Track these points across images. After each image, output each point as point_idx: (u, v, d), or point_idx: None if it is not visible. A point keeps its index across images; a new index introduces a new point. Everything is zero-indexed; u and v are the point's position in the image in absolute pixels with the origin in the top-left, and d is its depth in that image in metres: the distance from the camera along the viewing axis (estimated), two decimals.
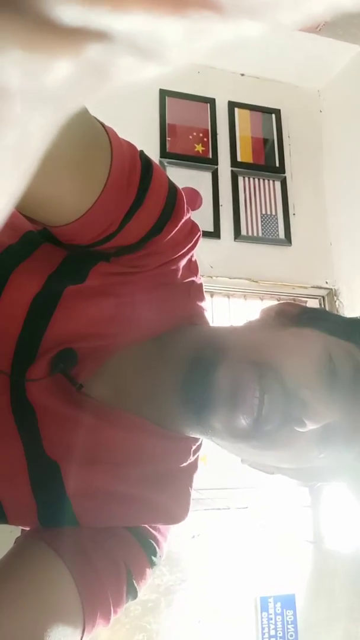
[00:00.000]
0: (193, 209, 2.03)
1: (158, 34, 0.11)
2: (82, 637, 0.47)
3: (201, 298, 0.59)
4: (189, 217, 0.53)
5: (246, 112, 2.25)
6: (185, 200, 0.51)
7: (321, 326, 0.52)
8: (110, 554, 0.51)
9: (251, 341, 0.52)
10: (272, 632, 1.74)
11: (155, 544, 0.55)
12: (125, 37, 0.11)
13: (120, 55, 0.12)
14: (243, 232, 2.08)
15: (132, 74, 0.12)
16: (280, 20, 0.11)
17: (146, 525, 0.55)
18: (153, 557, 0.54)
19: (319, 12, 0.11)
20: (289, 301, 0.59)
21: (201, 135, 2.16)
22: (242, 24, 0.11)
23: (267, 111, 2.27)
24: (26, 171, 0.14)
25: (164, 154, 2.07)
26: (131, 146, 0.47)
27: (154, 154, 2.02)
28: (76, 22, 0.11)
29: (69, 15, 0.11)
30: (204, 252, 1.73)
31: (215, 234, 2.03)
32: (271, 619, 1.75)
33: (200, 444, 0.58)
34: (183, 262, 0.54)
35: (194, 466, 0.58)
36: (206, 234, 1.99)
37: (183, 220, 0.50)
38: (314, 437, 0.47)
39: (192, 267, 0.57)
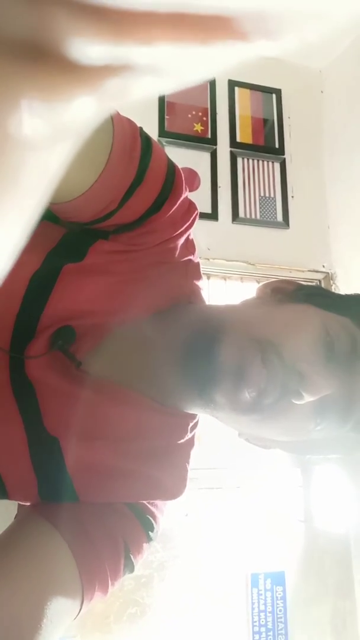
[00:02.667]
0: (191, 190, 2.02)
1: (180, 58, 0.11)
2: (80, 608, 0.48)
3: (198, 277, 0.59)
4: (187, 196, 0.53)
5: (246, 91, 2.22)
6: (183, 178, 0.51)
7: (318, 302, 0.53)
8: (108, 529, 0.52)
9: (250, 318, 0.53)
10: (262, 607, 1.78)
11: (152, 520, 0.56)
12: (146, 64, 0.11)
13: (139, 77, 0.12)
14: (241, 214, 2.06)
15: (148, 90, 0.12)
16: (304, 38, 0.11)
17: (144, 501, 0.56)
18: (150, 532, 0.55)
19: (342, 20, 0.11)
20: (284, 279, 0.60)
21: (200, 114, 2.13)
22: (264, 45, 0.11)
23: (267, 91, 2.24)
24: (45, 196, 0.15)
25: (162, 132, 2.04)
26: (132, 123, 0.47)
27: (152, 132, 1.99)
28: (100, 60, 0.11)
29: (94, 53, 0.11)
30: (201, 233, 1.72)
31: (212, 215, 2.02)
32: (261, 594, 1.79)
33: (197, 421, 0.59)
34: (181, 241, 0.55)
35: (191, 442, 0.59)
36: (204, 216, 1.97)
37: (181, 198, 0.51)
38: (312, 410, 0.48)
39: (189, 246, 0.57)
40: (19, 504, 0.58)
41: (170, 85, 0.13)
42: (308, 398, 0.46)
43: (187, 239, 0.56)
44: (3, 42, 0.11)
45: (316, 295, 0.55)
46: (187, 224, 0.53)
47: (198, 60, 0.12)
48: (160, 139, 2.03)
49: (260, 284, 0.59)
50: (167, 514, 0.60)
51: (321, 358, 0.48)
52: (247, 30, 0.11)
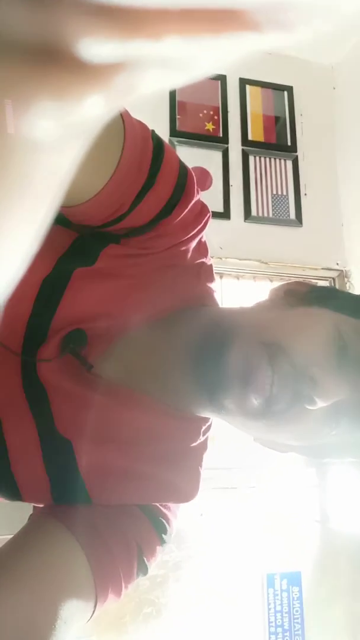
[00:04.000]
0: (203, 189, 2.02)
1: (191, 52, 0.11)
2: (94, 611, 0.48)
3: (211, 279, 0.59)
4: (199, 199, 0.52)
5: (257, 89, 2.20)
6: (195, 181, 0.51)
7: (330, 304, 0.52)
8: (121, 531, 0.52)
9: (261, 321, 0.52)
10: (278, 608, 1.77)
11: (165, 522, 0.56)
12: (157, 58, 0.11)
13: (149, 71, 0.12)
14: (253, 212, 2.05)
15: (158, 84, 0.12)
16: (316, 28, 0.11)
17: (157, 504, 0.56)
18: (163, 535, 0.55)
19: (352, 12, 0.11)
20: (297, 280, 0.59)
21: (211, 113, 2.12)
22: (275, 38, 0.11)
23: (278, 88, 2.22)
24: (57, 198, 0.15)
25: (173, 132, 2.04)
26: (143, 126, 0.47)
27: (163, 133, 2.00)
28: (110, 58, 0.11)
29: (104, 51, 0.11)
30: (213, 233, 1.71)
31: (225, 214, 2.01)
32: (277, 595, 1.79)
33: (210, 424, 0.58)
34: (193, 244, 0.54)
35: (203, 446, 0.58)
36: (216, 215, 1.97)
37: (193, 202, 0.50)
38: (325, 415, 0.47)
39: (201, 249, 0.57)
40: (33, 505, 0.58)
41: (180, 79, 0.13)
42: (321, 404, 0.45)
43: (200, 241, 0.56)
44: (13, 44, 0.11)
45: (329, 298, 0.55)
46: (199, 227, 0.53)
47: (209, 53, 0.11)
48: (172, 138, 2.03)
49: (273, 286, 0.59)
50: (181, 514, 0.60)
51: (334, 362, 0.47)
52: (258, 22, 0.10)
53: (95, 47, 0.11)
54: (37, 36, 0.10)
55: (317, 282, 2.08)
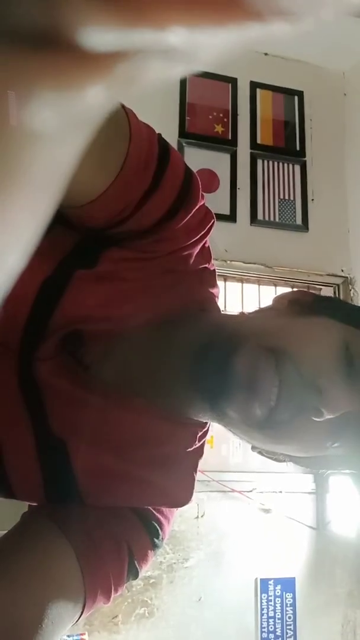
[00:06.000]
0: (210, 192, 2.02)
1: (193, 42, 0.11)
2: (82, 613, 0.48)
3: (213, 285, 0.59)
4: (204, 204, 0.52)
5: (268, 93, 2.20)
6: (200, 186, 0.50)
7: (337, 315, 0.52)
8: (113, 534, 0.52)
9: (267, 328, 0.52)
10: (271, 614, 1.77)
11: (158, 527, 0.55)
12: (159, 49, 0.11)
13: (151, 62, 0.12)
14: (259, 216, 2.05)
15: (160, 75, 0.12)
16: (322, 17, 0.11)
17: (150, 508, 0.56)
18: (155, 539, 0.55)
19: (356, 3, 0.11)
20: (302, 290, 0.59)
21: (221, 115, 2.12)
22: (281, 27, 0.11)
23: (289, 92, 2.22)
24: (57, 191, 0.15)
25: (182, 133, 2.04)
26: (150, 129, 0.46)
27: (172, 134, 2.00)
28: (112, 47, 0.11)
29: (106, 40, 0.10)
30: (218, 236, 1.71)
31: (231, 217, 2.01)
32: (270, 600, 1.78)
33: (207, 430, 0.58)
34: (196, 249, 0.54)
35: (199, 451, 0.58)
36: (222, 218, 1.97)
37: (197, 207, 0.50)
38: (329, 427, 0.47)
39: (205, 254, 0.56)
40: (28, 504, 0.58)
41: (182, 70, 0.12)
42: (327, 415, 0.45)
43: (203, 246, 0.55)
44: (13, 31, 0.10)
45: (335, 308, 0.54)
46: (203, 232, 0.53)
47: (212, 44, 0.11)
48: (181, 140, 2.03)
49: (277, 294, 0.58)
50: (177, 516, 0.59)
51: (341, 374, 0.46)
52: (262, 12, 0.10)
53: (97, 36, 0.10)
54: (37, 24, 0.10)
55: (321, 289, 2.08)
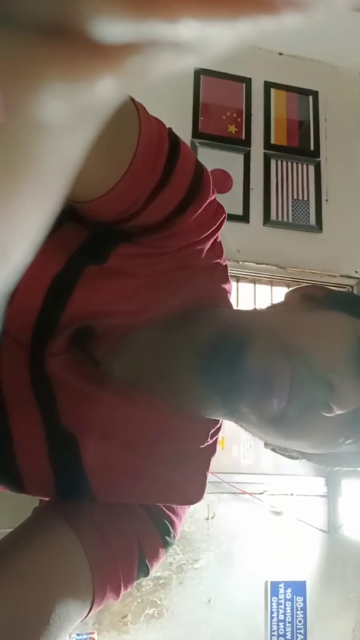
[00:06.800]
0: (223, 192, 2.01)
1: (204, 34, 0.11)
2: (90, 610, 0.48)
3: (225, 280, 0.58)
4: (215, 198, 0.52)
5: (282, 92, 2.19)
6: (211, 181, 0.50)
7: (350, 309, 0.51)
8: (123, 530, 0.51)
9: (279, 324, 0.51)
10: (281, 617, 1.75)
11: (169, 524, 0.55)
12: (170, 41, 0.11)
13: (161, 53, 0.11)
14: (273, 217, 2.04)
15: (171, 67, 0.12)
16: (335, 7, 0.10)
17: (161, 506, 0.56)
18: (167, 537, 0.54)
19: None
20: (315, 284, 0.58)
21: (235, 115, 2.12)
22: (294, 18, 0.10)
23: (304, 92, 2.20)
24: (65, 184, 0.15)
25: (196, 133, 2.04)
26: (160, 123, 0.46)
27: (185, 134, 1.99)
28: (123, 38, 0.11)
29: (117, 31, 0.10)
30: (231, 236, 1.71)
31: (244, 217, 2.00)
32: (281, 604, 1.77)
33: (219, 427, 0.58)
34: (207, 245, 0.54)
35: (211, 449, 0.58)
36: (235, 218, 1.96)
37: (208, 201, 0.50)
38: (341, 423, 0.46)
39: (216, 249, 0.56)
40: (39, 499, 0.58)
41: (192, 61, 0.12)
42: (337, 410, 0.44)
43: (215, 241, 0.55)
44: (24, 21, 0.10)
45: (348, 303, 0.53)
46: (214, 227, 0.52)
47: (224, 36, 0.11)
48: (194, 140, 2.02)
49: (290, 289, 0.58)
50: (187, 517, 0.59)
51: (353, 369, 0.46)
52: (274, 3, 0.10)
53: (109, 27, 0.10)
54: (48, 14, 0.10)
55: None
